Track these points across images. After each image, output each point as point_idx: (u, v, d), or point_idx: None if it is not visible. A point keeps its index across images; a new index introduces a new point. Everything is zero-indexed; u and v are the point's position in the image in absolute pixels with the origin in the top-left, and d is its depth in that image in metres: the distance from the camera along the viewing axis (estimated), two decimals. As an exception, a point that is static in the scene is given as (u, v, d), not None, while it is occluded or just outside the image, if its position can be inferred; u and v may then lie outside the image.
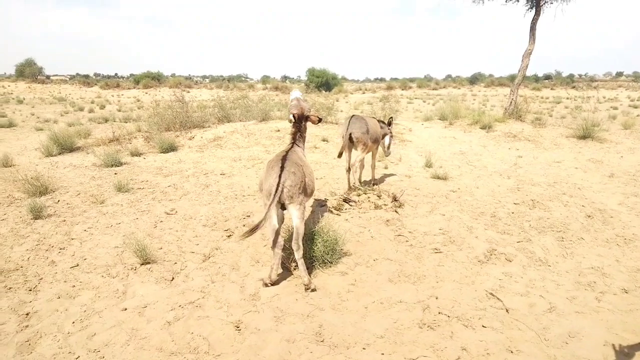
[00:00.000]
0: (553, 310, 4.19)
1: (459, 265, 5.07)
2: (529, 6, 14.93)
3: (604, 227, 6.24)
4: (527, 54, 14.64)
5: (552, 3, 14.80)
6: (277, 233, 4.55)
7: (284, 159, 4.62)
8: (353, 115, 7.37)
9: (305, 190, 4.71)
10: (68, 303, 4.33)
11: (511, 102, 14.91)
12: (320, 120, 5.44)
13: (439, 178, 8.70)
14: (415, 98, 42.85)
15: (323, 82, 57.01)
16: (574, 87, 53.71)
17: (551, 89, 52.32)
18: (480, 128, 13.64)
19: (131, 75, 75.39)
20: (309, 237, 5.05)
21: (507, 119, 14.48)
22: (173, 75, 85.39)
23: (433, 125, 14.30)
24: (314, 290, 4.52)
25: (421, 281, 4.72)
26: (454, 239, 5.71)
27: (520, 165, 10.11)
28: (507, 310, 4.17)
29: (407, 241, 5.66)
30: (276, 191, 4.36)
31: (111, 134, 13.49)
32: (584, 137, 12.56)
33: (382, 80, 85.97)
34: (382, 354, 3.56)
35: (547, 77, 77.91)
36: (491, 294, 4.46)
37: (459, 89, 56.17)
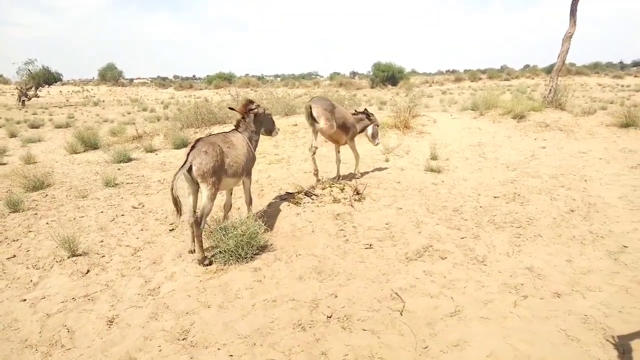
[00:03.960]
0: (456, 315, 3.73)
1: (382, 262, 4.67)
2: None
3: (580, 223, 5.53)
4: (567, 38, 13.40)
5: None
6: (192, 209, 4.84)
7: (198, 139, 4.84)
8: (315, 96, 7.15)
9: (224, 171, 4.85)
10: (-22, 292, 4.46)
11: (550, 90, 13.76)
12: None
13: (432, 171, 8.18)
14: (481, 89, 40.96)
15: (389, 76, 56.14)
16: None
17: (634, 76, 48.07)
18: (512, 118, 12.70)
19: (207, 76, 78.35)
20: (223, 230, 4.88)
21: (546, 107, 13.38)
22: (246, 75, 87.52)
23: (462, 116, 13.50)
24: (209, 264, 4.75)
25: (331, 278, 4.40)
26: (394, 234, 5.30)
27: (538, 156, 9.30)
28: (400, 313, 3.77)
29: (344, 236, 5.32)
30: (182, 166, 4.54)
31: (141, 131, 14.09)
32: (626, 125, 11.30)
33: (453, 72, 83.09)
34: (231, 355, 3.32)
35: (637, 64, 71.44)
36: (396, 293, 4.06)
37: (533, 79, 53.12)
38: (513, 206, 6.13)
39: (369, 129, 7.73)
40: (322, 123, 6.60)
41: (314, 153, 6.87)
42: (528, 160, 9.07)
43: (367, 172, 8.21)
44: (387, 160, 9.34)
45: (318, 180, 6.99)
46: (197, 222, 4.65)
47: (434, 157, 9.17)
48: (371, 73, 60.03)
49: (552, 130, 11.52)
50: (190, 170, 4.60)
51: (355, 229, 5.51)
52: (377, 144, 8.08)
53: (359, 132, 7.60)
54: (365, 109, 7.83)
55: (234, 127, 5.65)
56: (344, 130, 7.10)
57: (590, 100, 26.19)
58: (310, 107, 6.61)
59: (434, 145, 9.59)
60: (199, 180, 4.63)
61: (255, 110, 5.62)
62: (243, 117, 5.59)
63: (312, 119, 6.64)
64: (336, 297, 4.07)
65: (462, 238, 5.15)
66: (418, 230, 5.37)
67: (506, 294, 4.03)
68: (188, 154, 4.63)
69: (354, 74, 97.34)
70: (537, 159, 9.08)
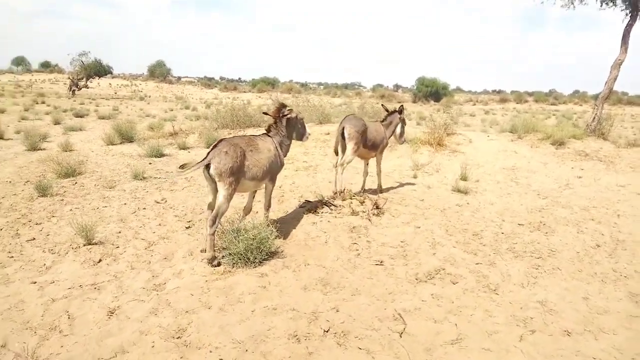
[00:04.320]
0: (457, 343, 3.60)
1: (391, 281, 4.57)
2: (625, 10, 13.09)
3: (604, 260, 5.28)
4: (617, 65, 12.89)
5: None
6: (210, 206, 4.91)
7: (221, 139, 4.92)
8: (351, 114, 7.11)
9: (243, 173, 4.87)
10: (-8, 271, 4.60)
11: (594, 118, 13.26)
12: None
13: (459, 191, 8.00)
14: (525, 112, 40.06)
15: (432, 91, 55.62)
16: None
17: None
18: (551, 144, 12.31)
19: (252, 79, 79.48)
20: (235, 233, 4.87)
21: (587, 136, 12.90)
22: (290, 81, 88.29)
23: (499, 138, 13.17)
24: (217, 265, 4.75)
25: (336, 292, 4.32)
26: (407, 253, 5.18)
27: (572, 186, 8.97)
28: (400, 335, 3.66)
29: (357, 250, 5.24)
30: (200, 161, 4.69)
31: (177, 128, 14.38)
32: (673, 160, 10.78)
33: (499, 92, 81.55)
34: (221, 359, 3.30)
35: None
36: (399, 314, 3.95)
37: (581, 105, 51.53)
38: (536, 235, 5.91)
39: (397, 129, 7.61)
40: (349, 147, 6.67)
41: (337, 167, 6.84)
42: (561, 189, 8.75)
43: (392, 188, 8.11)
44: (415, 177, 9.20)
45: (337, 192, 6.89)
46: (212, 222, 4.66)
47: (463, 178, 8.96)
48: (415, 87, 59.64)
49: (591, 160, 11.09)
50: (209, 168, 4.65)
51: (369, 243, 5.42)
52: (403, 142, 8.01)
53: (390, 136, 7.53)
54: (401, 105, 7.68)
55: (265, 131, 5.64)
56: (374, 148, 7.10)
57: (639, 131, 25.17)
58: (343, 128, 6.64)
59: (465, 166, 9.38)
60: (217, 180, 4.67)
61: (288, 114, 5.58)
62: (275, 122, 5.58)
63: (342, 139, 6.67)
64: (337, 311, 4.00)
65: (477, 264, 4.99)
66: (433, 252, 5.24)
67: (513, 327, 3.86)
68: (209, 153, 4.70)
69: (397, 86, 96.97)
70: (571, 189, 8.75)
